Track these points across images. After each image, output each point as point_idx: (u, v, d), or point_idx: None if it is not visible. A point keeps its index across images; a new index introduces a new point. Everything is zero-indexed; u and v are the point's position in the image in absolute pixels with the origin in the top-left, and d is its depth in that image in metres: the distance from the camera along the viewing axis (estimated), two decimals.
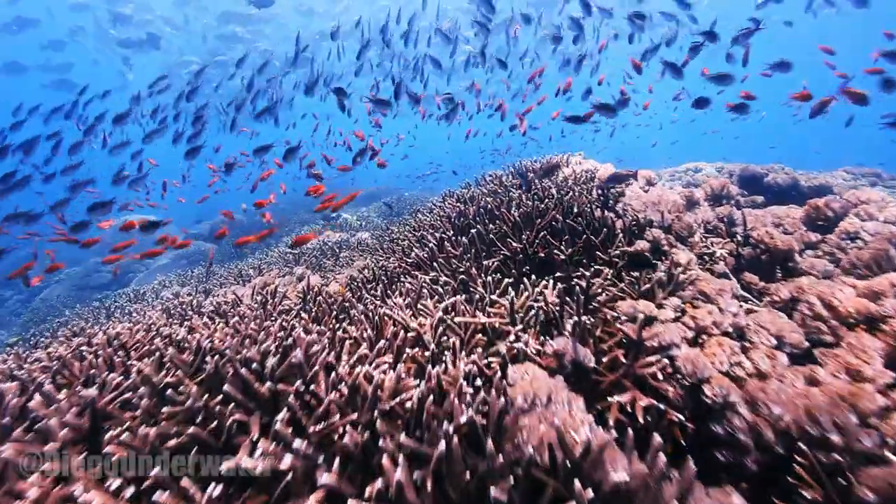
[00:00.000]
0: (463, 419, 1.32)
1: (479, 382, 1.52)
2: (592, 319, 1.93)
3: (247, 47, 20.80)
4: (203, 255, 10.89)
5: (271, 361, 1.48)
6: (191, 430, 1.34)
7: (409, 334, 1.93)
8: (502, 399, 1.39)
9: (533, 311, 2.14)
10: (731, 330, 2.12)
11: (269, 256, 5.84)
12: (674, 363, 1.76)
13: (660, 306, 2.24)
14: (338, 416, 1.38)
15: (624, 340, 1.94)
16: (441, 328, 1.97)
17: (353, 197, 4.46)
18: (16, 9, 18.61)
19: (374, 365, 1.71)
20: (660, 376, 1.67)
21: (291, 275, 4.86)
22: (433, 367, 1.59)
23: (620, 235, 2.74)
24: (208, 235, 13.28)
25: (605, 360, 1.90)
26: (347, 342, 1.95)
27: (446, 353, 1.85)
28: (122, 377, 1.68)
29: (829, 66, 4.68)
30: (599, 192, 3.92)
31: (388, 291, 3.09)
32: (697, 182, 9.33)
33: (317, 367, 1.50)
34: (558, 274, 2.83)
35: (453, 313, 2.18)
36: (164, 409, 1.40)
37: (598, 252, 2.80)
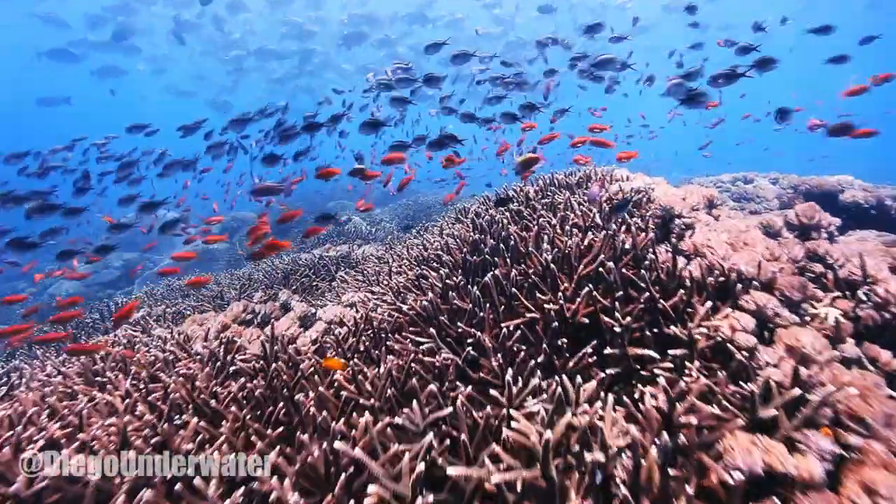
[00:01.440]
0: None
1: None
2: (689, 490, 1.08)
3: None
4: (207, 255, 10.43)
5: None
6: None
7: (370, 501, 1.12)
8: None
9: (579, 454, 1.30)
10: None
11: (259, 273, 5.15)
12: None
13: (791, 445, 1.35)
14: None
15: None
16: (421, 486, 1.15)
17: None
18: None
19: None
20: None
21: (275, 300, 4.13)
22: None
23: (708, 304, 1.85)
24: (220, 234, 12.92)
25: None
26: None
27: None
28: None
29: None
30: (657, 221, 3.01)
31: (372, 355, 2.29)
32: (750, 196, 8.12)
33: None
34: (608, 350, 1.97)
35: (447, 441, 1.37)
36: None
37: (668, 323, 1.92)
